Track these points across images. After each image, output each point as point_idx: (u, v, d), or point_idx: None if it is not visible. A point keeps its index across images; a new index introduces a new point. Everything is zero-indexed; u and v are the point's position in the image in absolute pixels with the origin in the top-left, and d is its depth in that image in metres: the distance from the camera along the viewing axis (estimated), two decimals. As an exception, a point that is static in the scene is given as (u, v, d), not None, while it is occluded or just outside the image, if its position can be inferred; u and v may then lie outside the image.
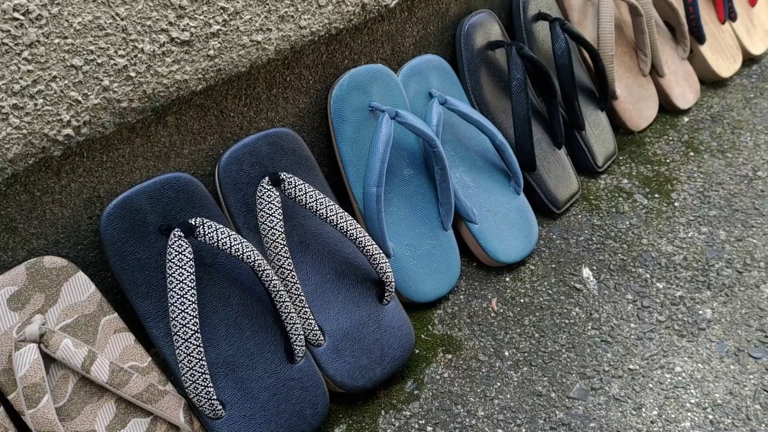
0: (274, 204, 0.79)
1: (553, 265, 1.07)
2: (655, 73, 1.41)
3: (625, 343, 0.93)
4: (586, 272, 1.05)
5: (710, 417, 0.83)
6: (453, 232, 1.02)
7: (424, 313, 0.99)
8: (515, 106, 1.08)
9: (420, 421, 0.84)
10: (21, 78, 0.60)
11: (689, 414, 0.84)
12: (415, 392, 0.88)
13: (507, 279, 1.05)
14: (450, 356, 0.92)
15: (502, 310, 0.99)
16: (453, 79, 1.09)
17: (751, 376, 0.88)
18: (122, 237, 0.73)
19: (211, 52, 0.75)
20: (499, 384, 0.89)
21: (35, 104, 0.62)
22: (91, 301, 0.72)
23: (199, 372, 0.71)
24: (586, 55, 1.27)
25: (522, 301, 1.01)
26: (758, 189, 1.21)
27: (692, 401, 0.85)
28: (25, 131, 0.62)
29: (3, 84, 0.59)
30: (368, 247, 0.85)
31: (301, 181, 0.82)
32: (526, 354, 0.93)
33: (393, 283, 0.88)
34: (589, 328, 0.96)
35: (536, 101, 1.19)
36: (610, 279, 1.04)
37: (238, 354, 0.78)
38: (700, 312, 0.97)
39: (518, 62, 1.08)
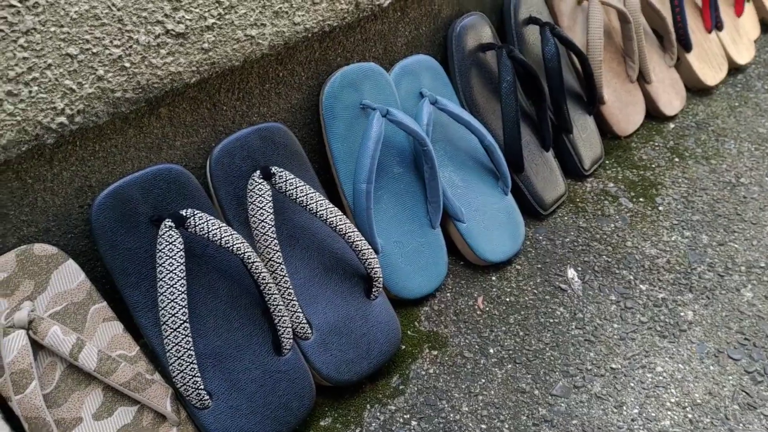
0: (264, 197, 0.80)
1: (539, 266, 1.08)
2: (643, 79, 1.43)
3: (608, 343, 0.95)
4: (571, 273, 1.06)
5: (690, 416, 0.85)
6: (441, 230, 1.03)
7: (410, 310, 1.00)
8: (504, 108, 1.09)
9: (405, 416, 0.85)
10: (16, 65, 0.61)
11: (669, 413, 0.85)
12: (401, 387, 0.89)
13: (493, 278, 1.06)
14: (435, 353, 0.93)
15: (487, 309, 1.00)
16: (444, 79, 1.10)
17: (730, 377, 0.90)
18: (113, 227, 0.73)
19: (206, 45, 0.75)
20: (483, 380, 0.90)
21: (30, 91, 0.63)
22: (81, 289, 0.72)
23: (187, 362, 0.72)
24: (575, 59, 1.29)
25: (507, 300, 1.02)
26: (741, 195, 1.23)
27: (672, 400, 0.87)
28: (19, 118, 0.63)
29: (-2, 70, 0.60)
30: (357, 243, 0.86)
31: (292, 176, 0.83)
32: (510, 352, 0.94)
33: (381, 279, 0.88)
34: (573, 327, 0.97)
35: (525, 104, 1.20)
36: (595, 280, 1.05)
37: (225, 345, 0.78)
38: (682, 314, 0.99)
39: (508, 65, 1.09)
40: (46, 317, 0.68)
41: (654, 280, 1.05)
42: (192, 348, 0.72)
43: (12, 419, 0.67)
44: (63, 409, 0.69)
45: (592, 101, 1.29)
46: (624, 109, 1.37)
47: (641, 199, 1.22)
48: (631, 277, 1.06)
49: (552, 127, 1.22)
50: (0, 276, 0.68)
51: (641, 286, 1.04)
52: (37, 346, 0.68)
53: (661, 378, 0.90)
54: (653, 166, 1.31)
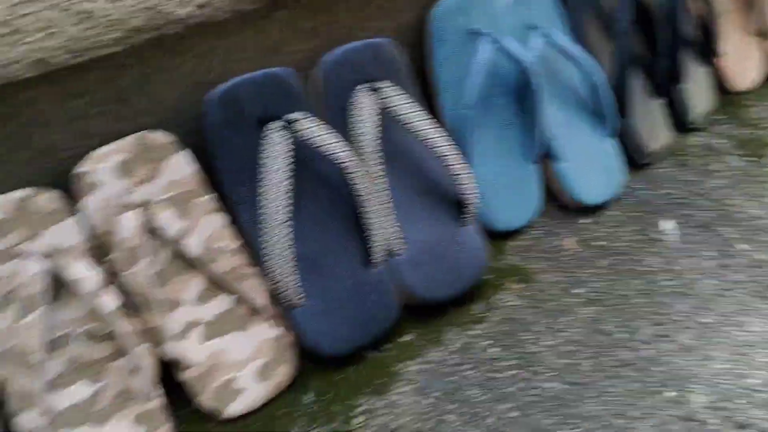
0: (371, 109, 0.80)
1: (635, 214, 1.05)
2: (764, 34, 1.34)
3: (701, 297, 0.92)
4: (668, 224, 1.03)
5: (781, 377, 0.82)
6: (539, 166, 1.02)
7: (499, 242, 0.99)
8: (618, 49, 1.05)
9: (485, 341, 0.86)
10: (152, -51, 0.63)
11: (758, 372, 0.83)
12: (484, 314, 0.89)
13: (586, 221, 1.04)
14: (520, 286, 0.93)
15: (578, 250, 0.99)
16: (556, 13, 1.07)
17: (829, 345, 0.86)
18: (223, 124, 0.76)
19: (329, -50, 0.75)
20: (567, 318, 0.89)
21: (161, -22, 0.64)
22: (192, 179, 0.75)
23: (285, 258, 0.74)
24: (696, 6, 1.22)
25: (599, 244, 1.00)
26: None
27: (763, 360, 0.84)
28: (149, 4, 0.65)
29: (135, -47, 0.62)
30: (455, 166, 0.85)
31: (399, 91, 0.83)
32: (597, 294, 0.93)
33: (475, 205, 0.88)
34: (665, 278, 0.95)
35: (639, 47, 1.15)
36: (693, 234, 1.02)
37: (321, 251, 0.80)
38: (783, 277, 0.95)
39: (627, 3, 1.05)
40: (159, 201, 0.71)
41: (756, 241, 1.01)
42: (291, 247, 0.74)
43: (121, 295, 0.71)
44: (167, 290, 0.73)
45: (708, 51, 1.22)
46: (741, 63, 1.30)
47: (750, 158, 1.16)
48: (732, 236, 1.02)
49: (664, 75, 1.16)
50: (119, 158, 0.71)
51: (742, 245, 1.00)
52: (147, 229, 0.71)
53: (752, 338, 0.87)
54: (766, 125, 1.24)
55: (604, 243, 1.00)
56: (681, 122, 1.21)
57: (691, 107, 1.20)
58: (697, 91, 1.22)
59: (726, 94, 1.32)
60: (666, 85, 1.18)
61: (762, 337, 0.87)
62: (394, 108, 0.82)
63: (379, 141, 0.80)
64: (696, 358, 0.84)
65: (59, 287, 0.68)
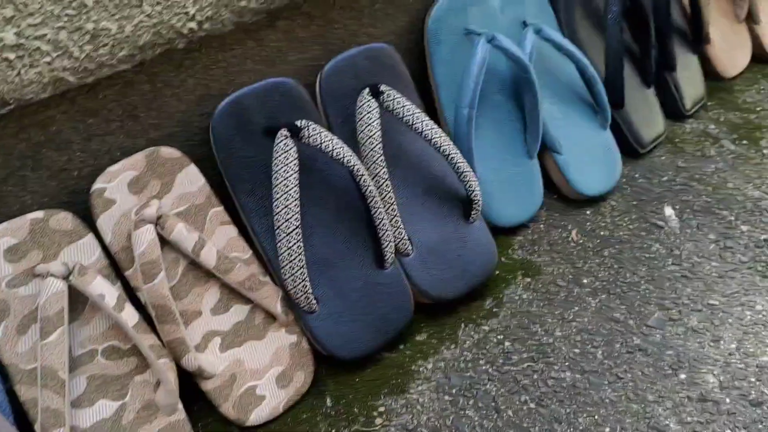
0: (373, 114, 0.82)
1: (635, 202, 1.07)
2: (751, 20, 1.36)
3: (706, 280, 0.94)
4: (668, 211, 1.05)
5: (790, 354, 0.84)
6: (538, 161, 1.03)
7: (504, 238, 1.01)
8: (609, 41, 1.07)
9: (498, 336, 0.87)
10: (156, -33, 0.64)
11: (767, 349, 0.85)
12: (495, 310, 0.91)
13: (588, 212, 1.05)
14: (529, 280, 0.94)
15: (582, 241, 1.01)
16: (548, 9, 1.08)
17: (835, 320, 0.88)
18: (230, 135, 0.77)
19: (325, -41, 0.77)
20: (577, 308, 0.91)
21: (166, -5, 0.65)
22: (201, 192, 0.76)
23: (297, 265, 0.75)
24: (683, -5, 1.24)
25: (602, 233, 1.02)
26: None
27: (772, 338, 0.86)
28: (155, 20, 0.66)
29: (140, -29, 0.63)
30: (459, 164, 0.87)
31: (399, 95, 0.84)
32: (604, 282, 0.94)
33: (480, 202, 0.90)
34: (670, 263, 0.97)
35: (629, 38, 1.17)
36: (693, 219, 1.03)
37: (332, 255, 0.81)
38: (785, 256, 0.97)
39: (616, -5, 1.06)
40: (172, 215, 0.72)
41: (756, 222, 1.02)
42: (303, 253, 0.75)
43: (140, 310, 0.72)
44: (185, 302, 0.74)
45: (697, 40, 1.24)
46: (729, 50, 1.32)
47: (744, 142, 1.18)
48: (732, 218, 1.03)
49: (655, 64, 1.18)
50: (131, 174, 0.72)
51: (742, 227, 1.02)
52: (162, 242, 0.72)
53: (761, 316, 0.89)
54: (758, 109, 1.26)
55: (606, 233, 1.02)
56: (674, 110, 1.23)
57: (683, 95, 1.21)
58: (689, 78, 1.23)
59: (716, 81, 1.34)
60: (658, 75, 1.20)
61: (768, 316, 0.88)
62: (396, 111, 0.83)
63: (382, 144, 0.81)
64: (706, 340, 0.86)
65: (80, 305, 0.68)
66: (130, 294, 0.72)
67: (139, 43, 0.66)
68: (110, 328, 0.70)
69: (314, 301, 0.78)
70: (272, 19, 0.79)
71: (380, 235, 0.82)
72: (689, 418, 0.77)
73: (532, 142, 1.01)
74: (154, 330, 0.71)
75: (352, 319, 0.81)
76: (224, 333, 0.76)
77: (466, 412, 0.79)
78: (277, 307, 0.77)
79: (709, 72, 1.32)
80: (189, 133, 0.79)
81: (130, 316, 0.69)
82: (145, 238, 0.69)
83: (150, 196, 0.73)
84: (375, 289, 0.83)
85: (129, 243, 0.71)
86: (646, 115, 1.15)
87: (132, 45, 0.65)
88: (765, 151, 1.16)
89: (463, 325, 0.89)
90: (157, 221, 0.71)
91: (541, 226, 1.03)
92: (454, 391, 0.81)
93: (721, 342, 0.86)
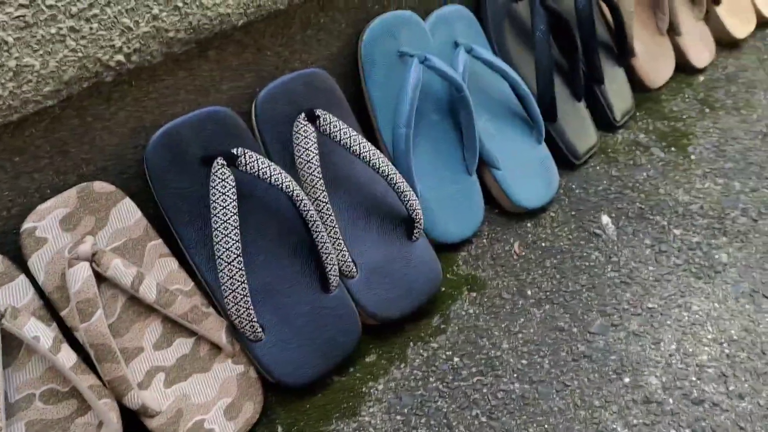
0: (310, 138, 0.82)
1: (573, 213, 1.10)
2: (672, 32, 1.42)
3: (644, 284, 0.96)
4: (605, 219, 1.08)
5: (726, 351, 0.87)
6: (477, 177, 1.05)
7: (448, 254, 1.02)
8: (538, 57, 1.10)
9: (447, 352, 0.88)
10: (78, 0, 0.63)
11: (706, 348, 0.87)
12: (442, 326, 0.91)
13: (528, 224, 1.08)
14: (474, 294, 0.95)
15: (524, 253, 1.02)
16: (477, 29, 1.11)
17: (766, 315, 0.91)
18: (166, 166, 0.76)
19: (253, -12, 0.77)
20: (522, 320, 0.92)
21: (91, 28, 0.65)
22: (138, 226, 0.75)
23: (241, 294, 0.74)
24: (607, 11, 1.29)
25: (543, 245, 1.04)
26: (773, 144, 1.23)
27: (709, 337, 0.89)
28: (80, 54, 0.65)
29: (62, 5, 0.62)
30: (399, 184, 0.87)
31: (336, 118, 0.84)
32: (548, 293, 0.96)
33: (422, 220, 0.90)
34: (609, 270, 0.99)
35: (557, 54, 1.21)
36: (629, 225, 1.07)
37: (275, 282, 0.81)
38: (716, 256, 1.00)
39: (541, 14, 1.10)
40: (107, 251, 0.71)
41: (688, 225, 1.06)
42: (245, 281, 0.75)
43: (78, 350, 0.70)
44: (125, 338, 0.72)
45: (623, 53, 1.29)
46: (654, 62, 1.38)
47: (673, 149, 1.23)
48: (665, 223, 1.07)
49: (584, 78, 1.22)
50: (62, 211, 0.70)
51: (675, 231, 1.05)
52: (99, 279, 0.70)
53: (697, 317, 0.92)
54: (684, 117, 1.32)
55: (547, 244, 1.04)
56: (605, 121, 1.27)
57: (612, 107, 1.26)
58: (617, 91, 1.28)
59: (643, 92, 1.39)
60: (587, 88, 1.24)
61: (705, 315, 0.91)
62: (333, 134, 0.84)
63: (319, 169, 0.82)
64: (647, 343, 0.88)
65: (14, 349, 0.66)
66: (68, 334, 0.70)
67: (65, 78, 0.64)
68: (47, 370, 0.68)
69: (260, 330, 0.77)
70: (203, 49, 0.78)
71: (323, 259, 0.82)
72: (635, 421, 0.79)
73: (470, 158, 1.03)
74: (94, 369, 0.69)
75: (300, 344, 0.80)
76: (168, 368, 0.74)
77: (419, 430, 0.79)
78: (222, 338, 0.76)
79: (636, 83, 1.37)
80: (123, 166, 0.77)
81: (67, 357, 0.66)
82: (80, 275, 0.68)
83: (84, 232, 0.71)
84: (321, 313, 0.82)
85: (63, 282, 0.69)
86: (579, 127, 1.19)
87: (57, 80, 0.64)
88: (693, 157, 1.21)
89: (411, 343, 0.89)
90: (93, 258, 0.69)
91: (484, 240, 1.05)
92: (405, 410, 0.81)
93: (662, 344, 0.88)
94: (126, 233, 0.74)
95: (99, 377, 0.69)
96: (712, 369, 0.84)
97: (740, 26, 1.54)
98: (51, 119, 0.68)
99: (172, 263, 0.77)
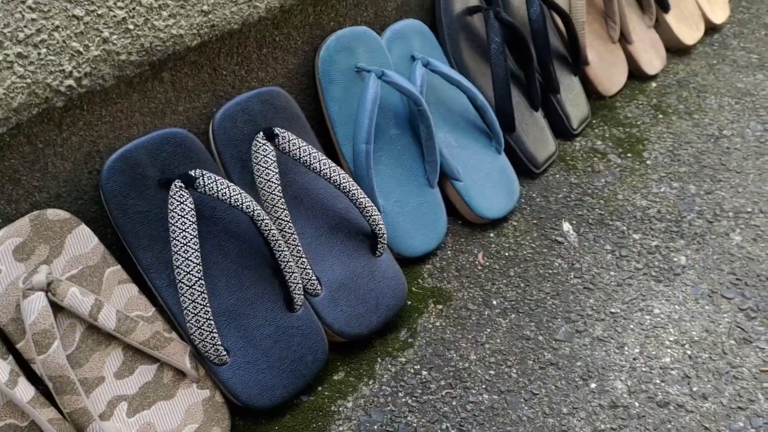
0: (269, 157, 0.81)
1: (535, 221, 1.11)
2: (624, 40, 1.45)
3: (606, 290, 0.98)
4: (566, 226, 1.09)
5: (689, 352, 0.88)
6: (439, 189, 1.06)
7: (413, 268, 1.02)
8: (494, 69, 1.11)
9: (415, 366, 0.87)
10: (25, 26, 0.61)
11: (669, 351, 0.89)
12: (410, 340, 0.91)
13: (491, 234, 1.08)
14: (440, 307, 0.96)
15: (488, 263, 1.03)
16: (434, 43, 1.12)
17: (725, 315, 0.93)
18: (122, 190, 0.74)
19: (206, 8, 0.76)
20: (489, 330, 0.92)
21: (39, 53, 0.63)
22: (95, 253, 0.73)
23: (203, 318, 0.73)
24: (559, 22, 1.31)
25: (507, 254, 1.05)
26: (724, 147, 1.26)
27: (671, 339, 0.90)
28: (29, 80, 0.63)
29: (8, 32, 0.60)
30: (361, 200, 0.87)
31: (295, 137, 0.84)
32: (513, 302, 0.96)
33: (385, 235, 0.90)
34: (572, 277, 1.00)
35: (513, 65, 1.22)
36: (589, 232, 1.08)
37: (239, 303, 0.80)
38: (675, 259, 1.02)
39: (496, 26, 1.11)
40: (63, 279, 0.69)
41: (646, 230, 1.08)
42: (208, 304, 0.74)
43: (36, 383, 0.68)
44: (85, 368, 0.70)
45: (576, 62, 1.31)
46: (607, 70, 1.40)
47: (629, 155, 1.25)
48: (624, 228, 1.09)
49: (540, 88, 1.24)
50: (15, 241, 0.68)
51: (634, 235, 1.07)
52: (56, 309, 0.69)
53: (659, 319, 0.93)
54: (638, 123, 1.34)
55: (511, 253, 1.05)
56: (563, 130, 1.29)
57: (569, 115, 1.27)
58: (573, 99, 1.30)
59: (598, 99, 1.41)
60: (544, 98, 1.26)
61: (667, 318, 0.93)
62: (293, 152, 0.83)
63: (280, 188, 0.81)
64: (611, 347, 0.89)
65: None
66: (25, 367, 0.68)
67: (14, 105, 0.63)
68: (5, 405, 0.66)
69: (224, 353, 0.76)
70: (157, 71, 0.77)
71: (287, 278, 0.81)
72: (603, 426, 0.80)
73: (432, 171, 1.03)
74: (53, 402, 0.67)
75: (266, 366, 0.79)
76: (131, 397, 0.73)
77: (390, 447, 0.79)
78: (186, 363, 0.75)
79: (591, 91, 1.39)
80: (78, 192, 0.76)
81: (24, 391, 0.64)
82: (36, 306, 0.66)
83: (38, 261, 0.69)
84: (287, 333, 0.81)
85: (19, 314, 0.67)
86: (537, 136, 1.20)
87: (6, 108, 0.62)
88: (648, 162, 1.23)
89: (379, 359, 0.89)
90: (48, 287, 0.67)
91: (448, 252, 1.05)
92: (375, 427, 0.81)
93: (626, 348, 0.89)
94: (83, 260, 0.72)
95: (59, 410, 0.67)
96: (676, 371, 0.86)
97: (689, 33, 1.58)
98: (0, 147, 0.66)
99: (132, 289, 0.75)
